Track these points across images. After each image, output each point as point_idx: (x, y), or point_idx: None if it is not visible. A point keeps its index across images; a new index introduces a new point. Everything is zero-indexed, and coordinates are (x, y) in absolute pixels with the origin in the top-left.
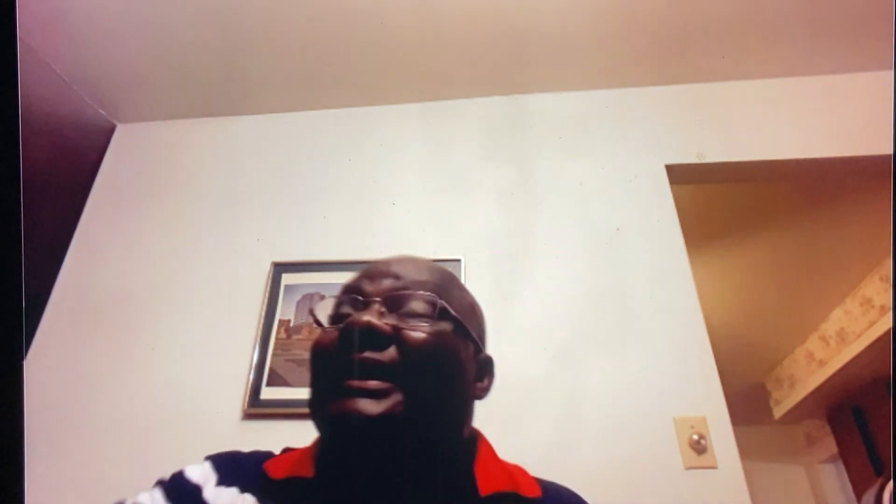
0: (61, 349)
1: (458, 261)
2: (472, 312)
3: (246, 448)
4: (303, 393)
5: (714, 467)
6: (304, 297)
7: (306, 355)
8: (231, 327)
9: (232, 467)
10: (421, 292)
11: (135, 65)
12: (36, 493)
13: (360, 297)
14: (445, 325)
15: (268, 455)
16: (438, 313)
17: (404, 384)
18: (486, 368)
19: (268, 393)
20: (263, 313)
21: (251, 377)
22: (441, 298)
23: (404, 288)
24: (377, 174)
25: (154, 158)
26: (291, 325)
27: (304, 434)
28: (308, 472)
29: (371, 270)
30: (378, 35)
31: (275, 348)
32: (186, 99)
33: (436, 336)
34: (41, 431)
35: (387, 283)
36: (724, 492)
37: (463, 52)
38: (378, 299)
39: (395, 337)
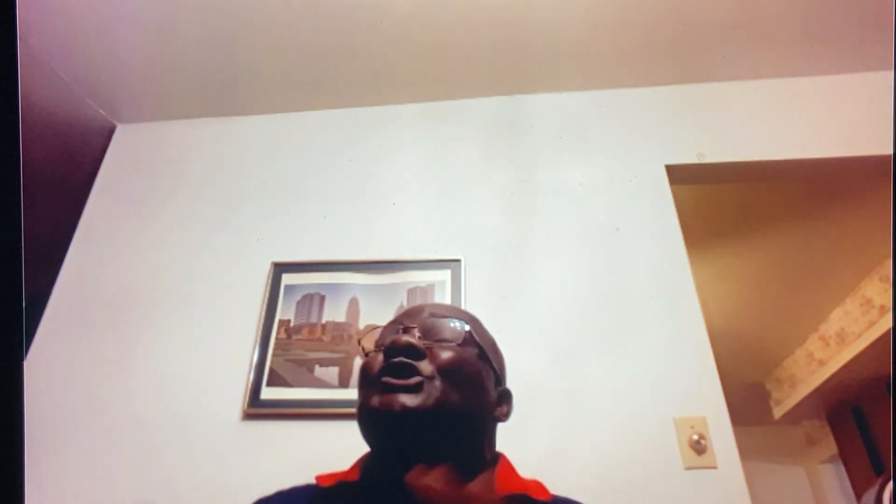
0: (61, 349)
1: (458, 261)
2: (493, 348)
3: (246, 449)
4: (302, 393)
5: (714, 467)
6: (304, 297)
7: (306, 355)
8: (231, 327)
9: None
10: (449, 321)
11: (135, 65)
12: (36, 493)
13: (401, 327)
14: (471, 349)
15: (308, 485)
16: (465, 339)
17: (434, 386)
18: (505, 398)
19: (268, 393)
20: (263, 313)
21: (251, 377)
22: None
23: (436, 319)
24: (377, 174)
25: (154, 159)
26: (291, 325)
27: (303, 434)
28: (353, 476)
29: (410, 309)
30: (378, 36)
31: (275, 348)
32: (186, 99)
33: (462, 355)
34: (41, 431)
35: (423, 316)
36: (724, 492)
37: (463, 52)
38: (415, 327)
39: (428, 354)
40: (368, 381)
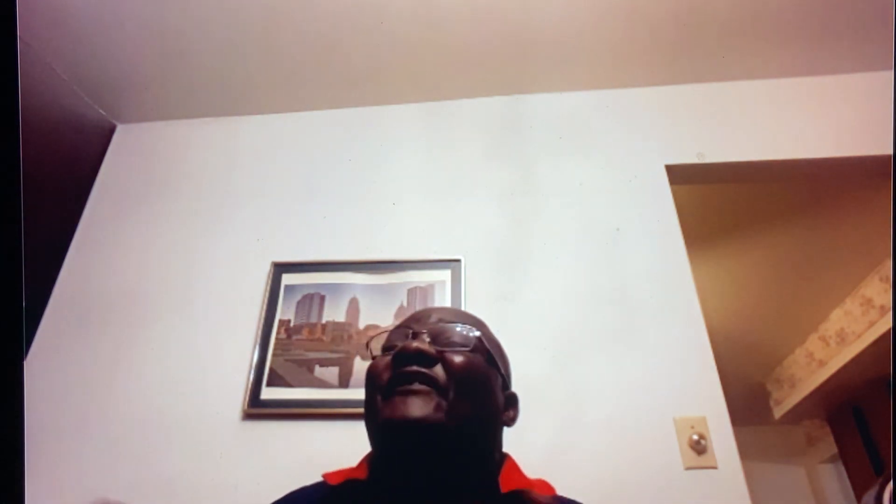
0: (61, 349)
1: (458, 261)
2: (500, 352)
3: (246, 449)
4: (302, 393)
5: (714, 467)
6: (305, 297)
7: (306, 355)
8: (231, 327)
9: None
10: (459, 326)
11: (135, 65)
12: (36, 493)
13: (410, 331)
14: (479, 355)
15: (316, 484)
16: (474, 344)
17: (446, 394)
18: (511, 402)
19: (268, 393)
20: (263, 313)
21: (251, 377)
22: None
23: (445, 324)
24: (377, 174)
25: (154, 159)
26: (291, 325)
27: (303, 434)
28: (362, 474)
29: (417, 314)
30: (378, 35)
31: (275, 348)
32: (186, 99)
33: (472, 360)
34: (41, 431)
35: (431, 321)
36: (724, 492)
37: (463, 52)
38: (424, 332)
39: (440, 359)
40: (378, 388)
